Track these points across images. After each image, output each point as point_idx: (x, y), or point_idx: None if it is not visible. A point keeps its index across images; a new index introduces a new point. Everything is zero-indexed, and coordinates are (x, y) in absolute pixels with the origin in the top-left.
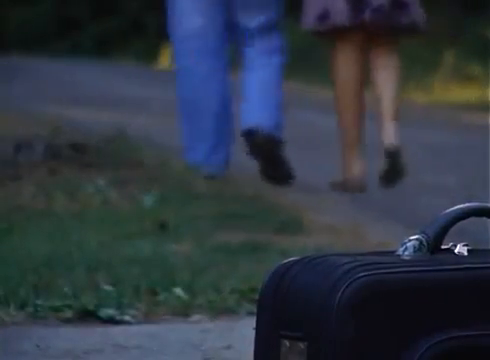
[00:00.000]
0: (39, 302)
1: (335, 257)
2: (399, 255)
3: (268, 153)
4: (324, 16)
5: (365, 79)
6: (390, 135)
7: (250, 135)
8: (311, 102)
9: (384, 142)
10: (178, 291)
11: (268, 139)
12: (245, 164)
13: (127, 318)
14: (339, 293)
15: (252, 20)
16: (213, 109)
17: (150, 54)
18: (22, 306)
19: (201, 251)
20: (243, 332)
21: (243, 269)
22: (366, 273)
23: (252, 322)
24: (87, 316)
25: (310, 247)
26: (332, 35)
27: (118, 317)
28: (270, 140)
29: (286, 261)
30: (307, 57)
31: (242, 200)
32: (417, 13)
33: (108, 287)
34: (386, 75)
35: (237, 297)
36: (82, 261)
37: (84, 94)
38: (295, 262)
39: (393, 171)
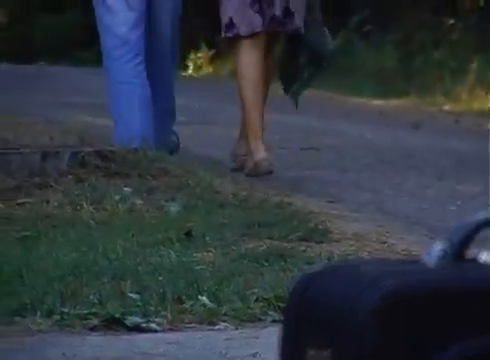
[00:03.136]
0: (65, 310)
1: (361, 265)
2: (424, 263)
3: None
4: (230, 25)
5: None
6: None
7: None
8: (340, 110)
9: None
10: (204, 299)
11: None
12: (268, 174)
13: (153, 326)
14: (364, 301)
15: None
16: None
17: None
18: (49, 314)
19: (227, 259)
20: (268, 340)
21: (269, 277)
22: (391, 281)
23: (277, 330)
24: (113, 324)
25: (336, 255)
26: (237, 40)
27: (144, 325)
28: None
29: (312, 269)
30: (336, 66)
31: (268, 208)
32: (300, 21)
33: (134, 295)
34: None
35: (262, 305)
36: (108, 269)
37: None
38: (321, 270)
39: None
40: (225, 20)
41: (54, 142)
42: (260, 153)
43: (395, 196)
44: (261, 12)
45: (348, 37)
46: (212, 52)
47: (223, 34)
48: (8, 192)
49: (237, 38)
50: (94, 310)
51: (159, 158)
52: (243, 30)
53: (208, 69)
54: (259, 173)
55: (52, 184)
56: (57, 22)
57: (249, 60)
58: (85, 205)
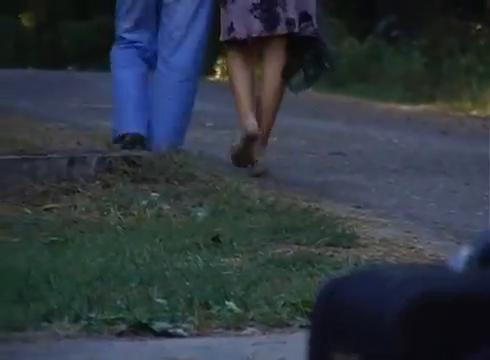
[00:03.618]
0: (93, 315)
1: (387, 270)
2: (451, 268)
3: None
4: (230, 30)
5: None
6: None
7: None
8: (368, 116)
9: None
10: (231, 304)
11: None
12: (297, 179)
13: (180, 331)
14: (392, 305)
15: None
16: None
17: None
18: (76, 319)
19: (254, 264)
20: (296, 345)
21: (296, 282)
22: (418, 286)
23: (305, 335)
24: (140, 329)
25: (363, 260)
26: (237, 44)
27: (171, 330)
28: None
29: (339, 274)
30: (363, 71)
31: (295, 213)
32: (316, 25)
33: (161, 300)
34: (272, 72)
35: (290, 310)
36: (135, 274)
37: None
38: (348, 275)
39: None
40: (227, 24)
41: (81, 147)
42: (246, 118)
43: (423, 201)
44: (265, 17)
45: (375, 42)
46: None
47: (222, 37)
48: (35, 198)
49: (233, 42)
50: (121, 315)
51: (186, 163)
52: (240, 33)
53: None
54: (247, 137)
55: (79, 189)
56: (84, 28)
57: (239, 64)
58: (112, 210)
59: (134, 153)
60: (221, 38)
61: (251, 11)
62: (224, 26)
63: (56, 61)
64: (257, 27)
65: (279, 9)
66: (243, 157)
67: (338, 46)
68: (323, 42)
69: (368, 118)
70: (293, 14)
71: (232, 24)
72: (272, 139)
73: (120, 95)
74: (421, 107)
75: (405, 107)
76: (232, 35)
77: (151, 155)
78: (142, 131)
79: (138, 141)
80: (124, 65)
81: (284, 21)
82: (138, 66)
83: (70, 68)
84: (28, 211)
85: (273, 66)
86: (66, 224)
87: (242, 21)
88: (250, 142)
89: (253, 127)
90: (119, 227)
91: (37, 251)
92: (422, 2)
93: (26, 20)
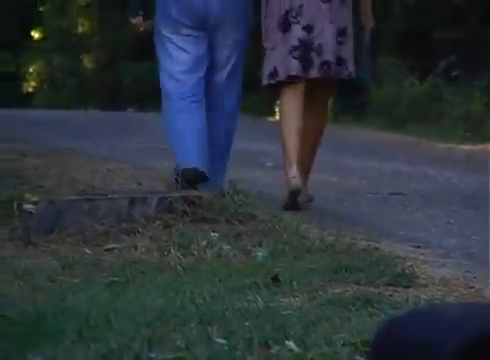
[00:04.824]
0: (153, 355)
1: (445, 308)
2: None
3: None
4: (274, 74)
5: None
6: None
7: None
8: (428, 155)
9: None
10: (291, 344)
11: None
12: (357, 219)
13: None
14: (449, 343)
15: (216, 75)
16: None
17: (264, 107)
18: (136, 359)
19: (313, 304)
20: None
21: (355, 322)
22: (476, 324)
23: None
24: None
25: (423, 300)
26: (281, 85)
27: None
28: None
29: (397, 313)
30: (423, 111)
31: (355, 253)
32: (353, 67)
33: (221, 340)
34: (315, 116)
35: (349, 350)
36: (195, 314)
37: None
38: (406, 314)
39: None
40: (270, 69)
41: (142, 188)
42: (291, 172)
43: (482, 241)
44: (304, 59)
45: (435, 82)
46: None
47: (265, 82)
48: (96, 238)
49: (279, 85)
50: (181, 355)
51: (246, 203)
52: (281, 75)
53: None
54: (290, 193)
55: (140, 230)
56: (144, 69)
57: (288, 104)
58: (173, 251)
59: (194, 193)
60: (265, 82)
61: (290, 52)
62: (267, 72)
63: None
64: (296, 66)
65: (313, 54)
66: (291, 206)
67: (398, 86)
68: (359, 84)
69: (428, 158)
70: (329, 58)
71: (275, 68)
72: (332, 179)
73: (178, 131)
74: (481, 147)
75: (465, 147)
76: (277, 79)
77: (211, 195)
78: (202, 166)
79: (199, 177)
80: (179, 108)
81: (318, 66)
82: (194, 108)
83: (130, 109)
84: (89, 251)
85: (317, 106)
86: (126, 264)
87: (283, 64)
88: (294, 196)
89: (295, 183)
90: (179, 267)
91: (97, 291)
92: (482, 42)
93: (87, 61)
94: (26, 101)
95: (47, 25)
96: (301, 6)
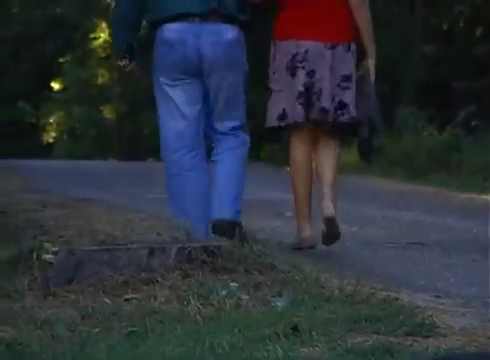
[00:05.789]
0: None
1: (463, 357)
2: None
3: (231, 237)
4: (283, 116)
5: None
6: (327, 207)
7: (217, 224)
8: (447, 205)
9: (323, 212)
10: None
11: (231, 226)
12: (376, 268)
13: None
14: None
15: (223, 126)
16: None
17: (283, 156)
18: None
19: (333, 354)
20: None
21: None
22: None
23: None
24: None
25: (443, 350)
26: (289, 129)
27: None
28: (233, 226)
29: None
30: (443, 161)
31: (374, 303)
32: (355, 111)
33: None
34: (327, 160)
35: None
36: None
37: None
38: None
39: (330, 235)
40: (279, 111)
41: (161, 238)
42: (305, 231)
43: None
44: (307, 105)
45: (455, 132)
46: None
47: (275, 123)
48: (115, 288)
49: (289, 128)
50: None
51: (265, 253)
52: (290, 119)
53: (314, 164)
54: (302, 248)
55: (159, 279)
56: None
57: (297, 151)
58: (192, 300)
59: (213, 243)
60: (275, 124)
61: (297, 98)
62: (276, 114)
63: (136, 152)
64: (301, 114)
65: (314, 97)
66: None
67: (417, 135)
68: (370, 125)
69: (447, 208)
70: (327, 103)
71: (284, 111)
72: (352, 229)
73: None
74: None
75: (485, 197)
76: (286, 121)
77: (230, 245)
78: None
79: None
80: (176, 172)
81: (317, 109)
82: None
83: (150, 159)
84: (108, 301)
85: (327, 152)
86: (146, 314)
87: (290, 108)
88: (311, 248)
89: (310, 242)
90: (199, 317)
91: (117, 341)
92: None
93: (107, 112)
94: (46, 151)
95: (67, 76)
96: (306, 51)
